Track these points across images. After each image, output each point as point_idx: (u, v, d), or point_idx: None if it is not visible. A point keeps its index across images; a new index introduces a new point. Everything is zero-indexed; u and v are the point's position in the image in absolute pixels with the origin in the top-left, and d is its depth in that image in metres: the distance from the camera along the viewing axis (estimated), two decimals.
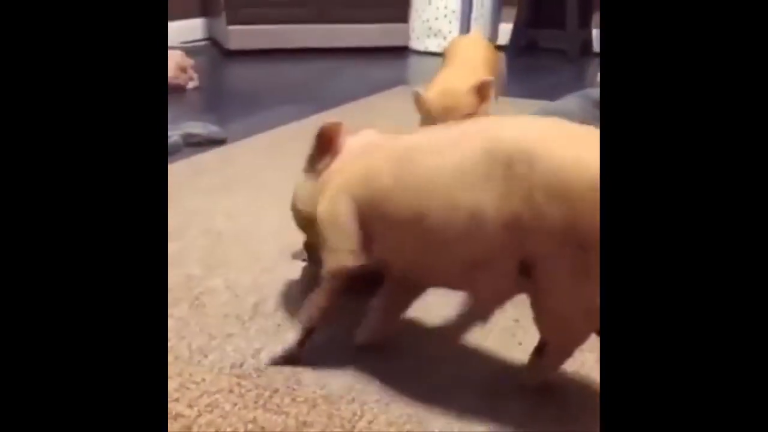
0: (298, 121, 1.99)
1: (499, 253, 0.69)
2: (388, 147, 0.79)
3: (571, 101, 1.20)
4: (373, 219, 0.77)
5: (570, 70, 3.05)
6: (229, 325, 0.92)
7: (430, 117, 1.24)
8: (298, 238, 1.17)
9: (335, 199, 0.80)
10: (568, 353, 0.77)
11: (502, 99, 2.23)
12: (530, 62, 3.25)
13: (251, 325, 0.92)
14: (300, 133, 1.85)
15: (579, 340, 0.75)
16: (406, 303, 0.87)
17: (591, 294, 0.66)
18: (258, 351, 0.86)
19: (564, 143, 0.66)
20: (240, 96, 2.36)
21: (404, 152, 0.76)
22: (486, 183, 0.68)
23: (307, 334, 0.83)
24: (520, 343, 0.88)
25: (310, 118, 2.02)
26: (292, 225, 1.26)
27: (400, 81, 2.64)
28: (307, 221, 0.88)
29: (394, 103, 2.20)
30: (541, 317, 0.73)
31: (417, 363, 0.84)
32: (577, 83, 2.71)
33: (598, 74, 2.73)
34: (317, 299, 0.82)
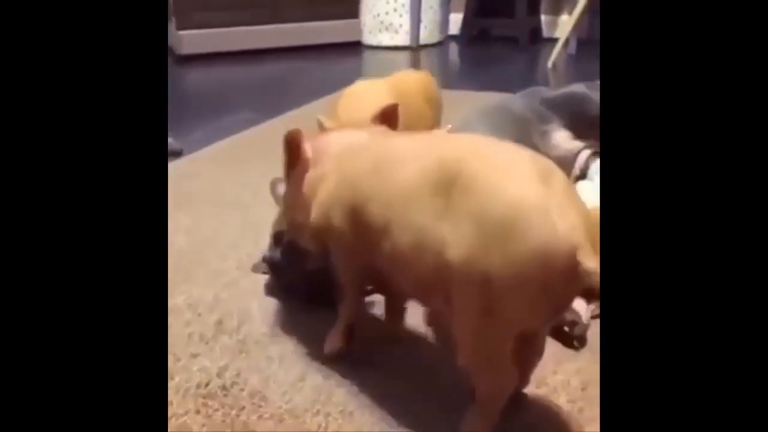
0: (258, 126, 1.99)
1: (435, 278, 0.66)
2: (369, 152, 0.77)
3: (517, 101, 1.23)
4: (360, 225, 0.75)
5: (521, 58, 3.09)
6: (194, 344, 0.93)
7: None
8: (255, 250, 1.19)
9: (328, 209, 0.80)
10: (491, 403, 0.70)
11: (453, 93, 2.26)
12: (482, 52, 3.29)
13: (215, 343, 0.94)
14: (259, 139, 1.86)
15: (494, 387, 0.69)
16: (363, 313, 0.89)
17: (494, 337, 0.63)
18: (223, 369, 0.88)
19: (502, 172, 0.62)
20: (196, 103, 2.35)
21: (379, 160, 0.74)
22: (430, 203, 0.66)
23: (348, 331, 0.87)
24: None
25: (270, 122, 2.03)
26: (250, 236, 1.28)
27: (357, 76, 2.65)
28: (297, 227, 0.88)
29: None
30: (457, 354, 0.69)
31: (380, 373, 0.87)
32: (529, 72, 2.76)
33: (549, 61, 2.79)
34: (346, 302, 0.85)
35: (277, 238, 1.02)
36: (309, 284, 0.98)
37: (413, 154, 0.71)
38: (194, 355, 0.91)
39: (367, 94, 1.28)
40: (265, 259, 1.04)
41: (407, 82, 1.39)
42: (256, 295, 1.05)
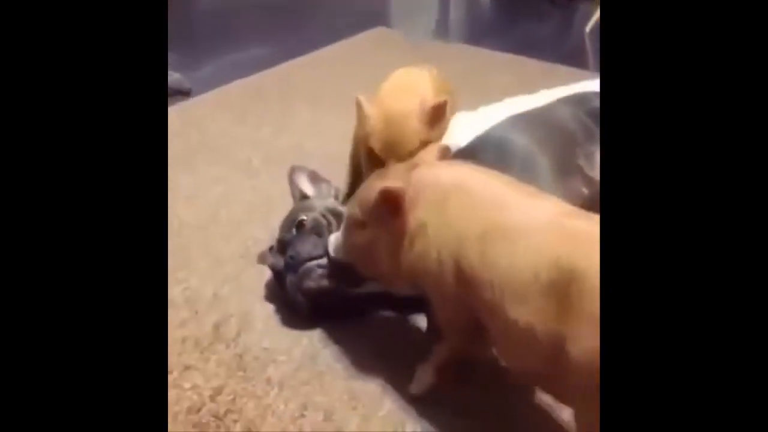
0: (272, 69, 1.86)
1: (545, 363, 0.65)
2: (476, 210, 0.71)
3: (562, 109, 1.11)
4: (465, 284, 0.71)
5: (556, 16, 2.92)
6: (188, 352, 0.87)
7: (369, 141, 1.05)
8: (263, 234, 1.10)
9: (429, 259, 0.73)
10: None
11: (480, 52, 2.13)
12: (514, 8, 3.10)
13: (210, 354, 0.87)
14: (273, 86, 1.74)
15: None
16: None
17: None
18: (217, 391, 0.81)
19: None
20: (206, 31, 2.20)
21: (489, 228, 0.69)
22: (545, 303, 0.63)
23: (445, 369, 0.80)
24: None
25: (285, 65, 1.89)
26: (257, 214, 1.20)
27: (381, 17, 2.50)
28: (385, 276, 0.80)
29: (373, 51, 2.07)
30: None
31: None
32: (564, 34, 2.61)
33: (588, 26, 2.63)
34: (446, 342, 0.79)
35: (282, 245, 0.93)
36: (312, 302, 0.90)
37: (526, 242, 0.66)
38: (187, 368, 0.84)
39: (413, 85, 1.16)
40: (270, 267, 0.96)
41: (444, 83, 1.27)
42: (258, 297, 0.98)
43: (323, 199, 1.01)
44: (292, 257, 0.89)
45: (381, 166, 1.08)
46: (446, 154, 0.80)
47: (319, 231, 0.92)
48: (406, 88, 1.15)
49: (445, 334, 0.79)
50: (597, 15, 2.64)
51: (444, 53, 2.07)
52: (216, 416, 0.78)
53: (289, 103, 1.64)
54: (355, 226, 0.79)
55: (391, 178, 0.76)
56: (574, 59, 2.15)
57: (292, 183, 1.05)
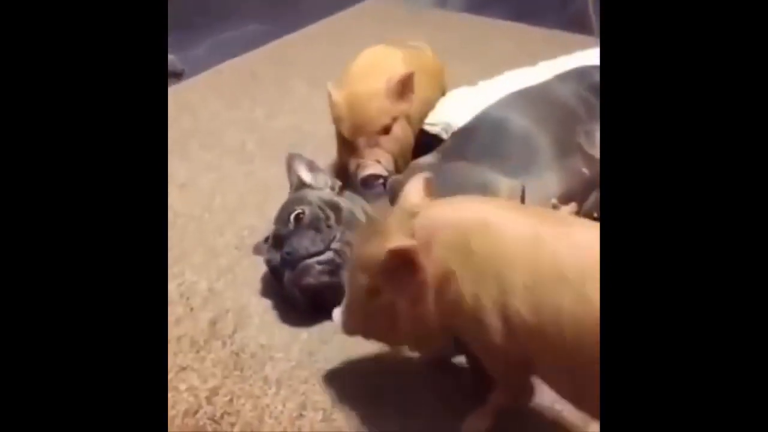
0: (267, 46, 1.81)
1: None
2: (520, 255, 0.61)
3: (562, 86, 1.07)
4: (516, 335, 0.62)
5: None
6: (183, 352, 0.84)
7: (338, 126, 1.08)
8: (259, 222, 1.08)
9: (469, 306, 0.63)
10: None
11: (482, 20, 2.07)
12: None
13: (206, 353, 0.85)
14: (268, 64, 1.70)
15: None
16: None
17: None
18: (214, 391, 0.79)
19: None
20: (200, 9, 2.15)
21: (538, 273, 0.60)
22: None
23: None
24: None
25: (278, 42, 1.85)
26: (252, 202, 1.17)
27: None
28: (418, 339, 0.70)
29: (370, 24, 2.01)
30: None
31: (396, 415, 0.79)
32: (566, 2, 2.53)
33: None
34: (502, 390, 0.71)
35: (278, 240, 0.90)
36: (310, 298, 0.88)
37: (578, 295, 0.57)
38: (182, 368, 0.82)
39: (381, 65, 1.14)
40: (265, 262, 0.93)
41: (422, 59, 1.24)
42: (254, 290, 0.95)
43: (319, 190, 0.98)
44: (288, 253, 0.86)
45: (351, 147, 1.05)
46: (430, 187, 0.71)
47: (317, 226, 0.89)
48: (373, 68, 1.14)
49: (501, 385, 0.71)
50: None
51: (444, 22, 2.02)
52: (213, 419, 0.76)
53: (284, 83, 1.60)
54: (365, 295, 0.68)
55: (393, 234, 0.65)
56: (577, 25, 2.09)
57: (291, 170, 1.02)
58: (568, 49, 1.40)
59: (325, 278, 0.85)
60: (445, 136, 1.15)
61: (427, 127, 1.17)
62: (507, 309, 0.61)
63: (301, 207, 0.90)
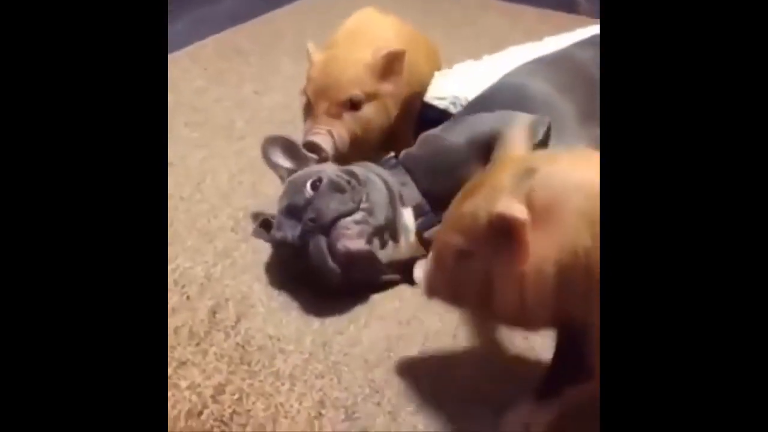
0: (248, 23, 1.71)
1: None
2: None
3: (581, 53, 1.00)
4: None
5: None
6: (182, 345, 0.75)
7: (306, 88, 0.97)
8: (253, 203, 0.99)
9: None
10: None
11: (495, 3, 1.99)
12: None
13: (208, 345, 0.76)
14: (250, 39, 1.60)
15: None
16: None
17: None
18: (219, 389, 0.70)
19: None
20: None
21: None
22: None
23: None
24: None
25: (263, 17, 1.74)
26: (245, 181, 1.07)
27: None
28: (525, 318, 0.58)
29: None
30: None
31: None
32: None
33: None
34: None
35: (294, 210, 0.81)
36: (347, 268, 0.77)
37: None
38: (182, 363, 0.73)
39: (370, 31, 1.04)
40: (277, 241, 0.83)
41: (418, 36, 1.13)
42: (256, 276, 0.86)
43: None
44: (312, 219, 0.77)
45: (310, 110, 0.95)
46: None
47: (340, 188, 0.79)
48: (361, 34, 1.04)
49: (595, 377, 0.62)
50: None
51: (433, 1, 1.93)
52: (221, 420, 0.67)
53: (271, 59, 1.51)
54: (455, 256, 0.58)
55: (505, 194, 0.54)
56: (564, 7, 2.03)
57: (272, 166, 0.91)
58: (561, 29, 1.34)
59: (362, 243, 0.76)
60: (453, 110, 1.07)
61: (434, 102, 1.09)
62: None
63: (317, 174, 0.81)
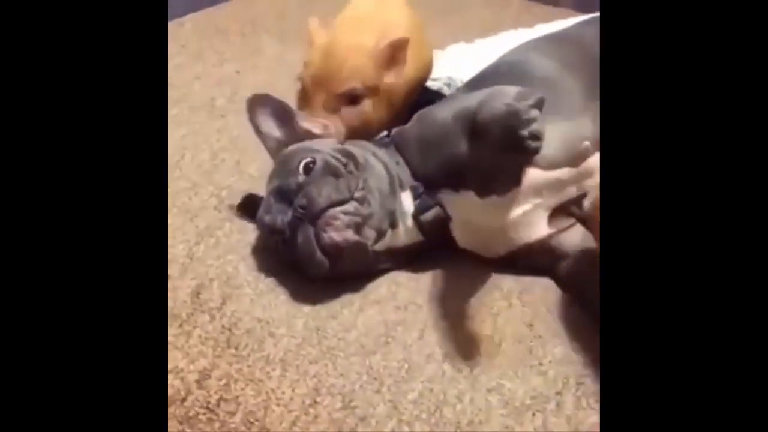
0: (225, 4, 1.65)
1: None
2: None
3: (586, 30, 0.96)
4: None
5: None
6: None
7: (303, 72, 0.90)
8: (238, 181, 0.93)
9: None
10: None
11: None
12: None
13: (191, 327, 0.70)
14: (229, 19, 1.54)
15: None
16: None
17: None
18: (205, 374, 0.65)
19: None
20: None
21: None
22: None
23: None
24: (540, 364, 0.70)
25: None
26: (228, 158, 1.01)
27: None
28: None
29: None
30: None
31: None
32: None
33: None
34: None
35: (284, 194, 0.75)
36: (334, 260, 0.72)
37: None
38: None
39: (382, 13, 0.97)
40: (264, 225, 0.77)
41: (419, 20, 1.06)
42: (242, 256, 0.81)
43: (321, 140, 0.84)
44: (303, 207, 0.71)
45: (306, 99, 0.90)
46: None
47: (336, 172, 0.74)
48: (369, 17, 0.97)
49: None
50: None
51: None
52: (207, 407, 0.62)
53: (252, 39, 1.45)
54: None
55: None
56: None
57: (258, 132, 0.84)
58: (547, 20, 1.31)
59: (351, 234, 0.70)
60: (447, 91, 1.03)
61: (428, 83, 1.04)
62: None
63: (310, 155, 0.76)
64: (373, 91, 0.88)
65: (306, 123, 0.85)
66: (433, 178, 0.78)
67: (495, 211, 0.76)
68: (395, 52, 0.88)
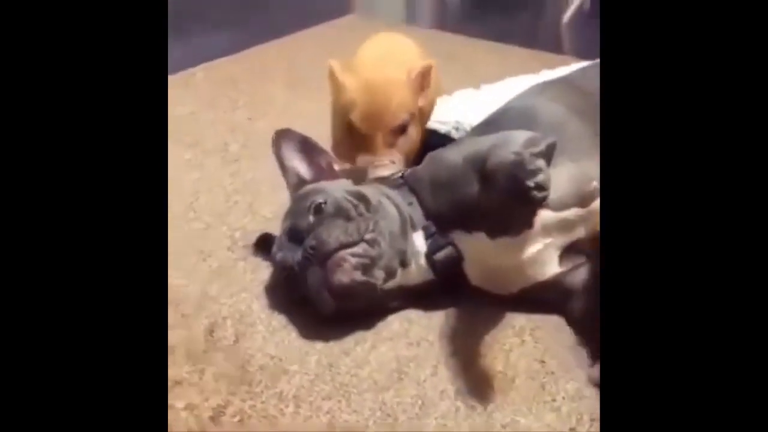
0: (239, 54, 1.69)
1: None
2: None
3: (586, 77, 0.98)
4: None
5: (527, 8, 2.82)
6: (177, 364, 0.70)
7: (350, 113, 0.94)
8: (251, 223, 0.95)
9: None
10: None
11: (461, 38, 2.00)
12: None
13: (206, 365, 0.70)
14: (241, 69, 1.58)
15: None
16: None
17: None
18: (219, 410, 0.65)
19: None
20: (170, 14, 2.01)
21: None
22: None
23: None
24: (554, 400, 0.70)
25: (253, 50, 1.73)
26: (241, 201, 1.03)
27: (345, 5, 2.34)
28: None
29: (347, 36, 1.92)
30: None
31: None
32: (535, 25, 2.51)
33: (565, 15, 2.54)
34: None
35: (296, 234, 0.77)
36: (341, 300, 0.73)
37: None
38: (177, 383, 0.68)
39: (396, 50, 1.04)
40: (277, 263, 0.79)
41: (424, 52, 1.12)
42: (255, 295, 0.81)
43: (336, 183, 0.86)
44: (313, 248, 0.72)
45: (363, 141, 0.94)
46: None
47: (346, 214, 0.75)
48: (389, 55, 1.03)
49: None
50: (575, 4, 2.55)
51: (422, 38, 1.93)
52: None
53: (262, 87, 1.48)
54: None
55: None
56: (547, 45, 2.04)
57: (282, 166, 0.88)
58: (552, 66, 1.33)
59: (359, 275, 0.71)
60: (455, 135, 1.05)
61: (435, 126, 1.06)
62: None
63: (322, 197, 0.77)
64: (413, 117, 0.96)
65: (377, 170, 0.90)
66: (446, 218, 0.79)
67: (507, 251, 0.77)
68: (424, 78, 0.96)
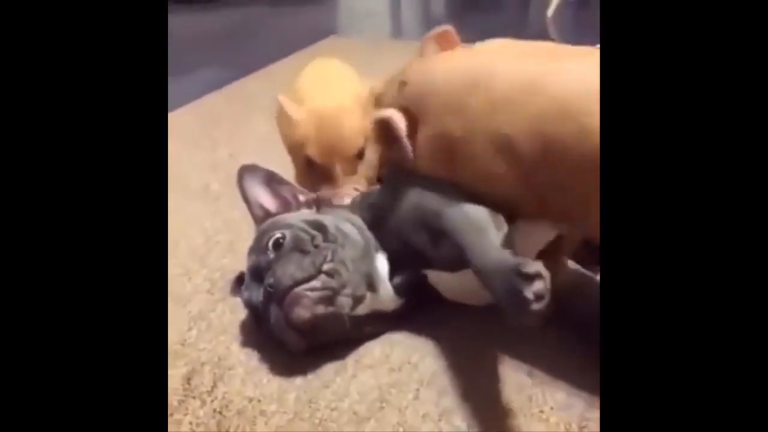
0: (221, 90, 1.70)
1: None
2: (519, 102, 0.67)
3: None
4: None
5: (510, 7, 2.81)
6: None
7: (305, 149, 0.92)
8: (231, 263, 0.93)
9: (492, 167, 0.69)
10: None
11: None
12: (467, 3, 2.99)
13: (182, 415, 0.69)
14: (224, 104, 1.59)
15: None
16: None
17: None
18: None
19: None
20: None
21: (533, 123, 0.67)
22: None
23: None
24: (541, 411, 0.68)
25: (237, 83, 1.74)
26: (222, 241, 1.02)
27: (330, 30, 2.35)
28: None
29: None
30: None
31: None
32: (521, 23, 2.49)
33: (550, 10, 2.51)
34: None
35: (257, 272, 0.76)
36: (306, 336, 0.72)
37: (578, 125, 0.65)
38: None
39: (337, 77, 1.04)
40: (244, 303, 0.78)
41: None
42: (233, 336, 0.80)
43: (296, 212, 0.84)
44: (272, 286, 0.71)
45: (323, 173, 0.92)
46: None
47: (303, 247, 0.74)
48: (330, 82, 1.02)
49: None
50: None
51: (405, 51, 1.93)
52: None
53: (244, 120, 1.48)
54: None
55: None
56: None
57: (246, 199, 0.86)
58: None
59: (321, 309, 0.70)
60: None
61: None
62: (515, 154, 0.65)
63: (280, 231, 0.76)
64: (368, 139, 0.92)
65: (340, 201, 0.87)
66: (400, 254, 0.77)
67: (470, 277, 0.69)
68: (372, 101, 0.91)
